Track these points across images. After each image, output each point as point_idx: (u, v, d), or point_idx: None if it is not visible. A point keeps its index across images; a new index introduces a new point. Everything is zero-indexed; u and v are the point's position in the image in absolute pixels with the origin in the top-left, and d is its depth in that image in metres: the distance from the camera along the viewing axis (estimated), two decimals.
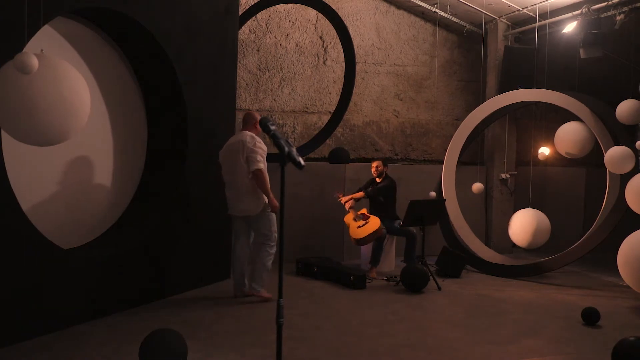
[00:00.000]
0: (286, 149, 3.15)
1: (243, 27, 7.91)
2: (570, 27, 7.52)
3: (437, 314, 5.73)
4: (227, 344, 4.54)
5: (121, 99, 5.71)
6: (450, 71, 9.49)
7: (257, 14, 8.13)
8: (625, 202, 6.57)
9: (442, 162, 8.45)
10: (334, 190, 7.72)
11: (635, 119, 6.99)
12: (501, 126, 9.06)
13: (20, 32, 3.91)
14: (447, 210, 8.02)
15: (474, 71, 9.45)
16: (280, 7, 8.33)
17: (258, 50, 8.31)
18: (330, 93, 8.65)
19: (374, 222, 7.01)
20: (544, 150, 8.48)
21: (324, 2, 7.83)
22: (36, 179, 4.87)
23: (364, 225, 7.02)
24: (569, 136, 7.73)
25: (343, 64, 8.24)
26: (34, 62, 3.38)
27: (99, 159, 5.51)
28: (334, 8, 7.91)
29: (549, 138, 8.23)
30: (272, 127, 3.27)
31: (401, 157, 9.21)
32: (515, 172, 9.21)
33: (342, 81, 8.23)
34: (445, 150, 8.50)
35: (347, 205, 7.33)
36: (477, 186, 8.21)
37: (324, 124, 8.40)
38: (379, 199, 7.41)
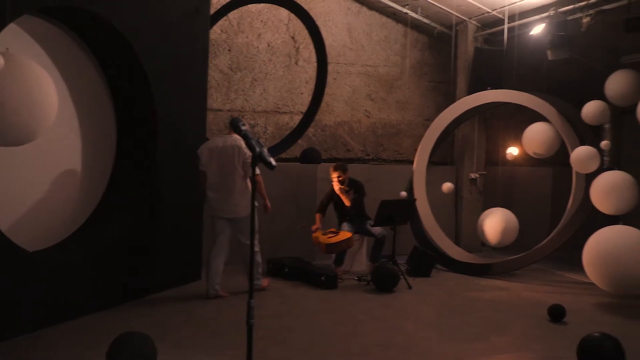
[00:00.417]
0: (257, 149, 3.16)
1: (214, 27, 7.86)
2: (538, 29, 7.64)
3: (408, 313, 5.78)
4: (197, 346, 4.52)
5: (89, 99, 5.63)
6: (421, 72, 9.57)
7: (229, 14, 8.09)
8: (590, 201, 6.73)
9: (412, 162, 8.51)
10: (300, 225, 7.69)
11: (600, 120, 7.15)
12: (471, 126, 9.17)
13: None
14: (418, 210, 8.08)
15: (444, 72, 9.54)
16: (252, 7, 8.30)
17: (230, 50, 8.27)
18: (302, 93, 8.66)
19: (345, 234, 7.04)
20: (513, 151, 8.62)
21: (296, 3, 7.84)
22: (1, 180, 4.77)
23: (334, 236, 7.02)
24: (537, 136, 7.87)
25: (315, 64, 8.27)
26: (0, 60, 3.32)
27: (66, 159, 5.43)
28: (305, 8, 7.93)
29: (518, 138, 8.36)
30: (244, 128, 3.28)
31: (372, 157, 9.26)
32: (485, 172, 9.33)
33: (314, 81, 8.25)
34: (416, 150, 8.57)
35: (317, 232, 7.24)
36: (447, 186, 8.30)
37: (296, 124, 8.41)
38: (357, 204, 7.40)
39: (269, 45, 8.49)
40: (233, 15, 8.19)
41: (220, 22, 8.02)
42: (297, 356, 4.39)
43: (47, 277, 4.77)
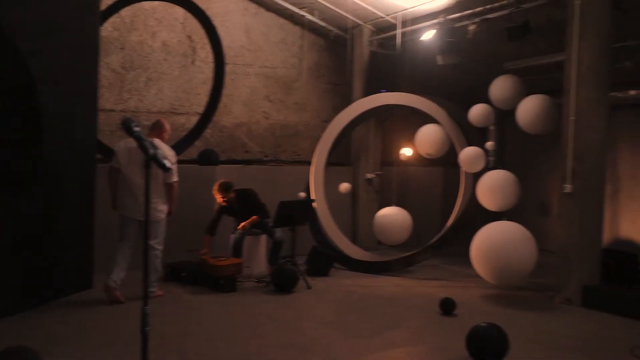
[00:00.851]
0: (151, 151, 3.07)
1: (106, 24, 7.55)
2: (428, 35, 7.95)
3: (307, 313, 5.84)
4: (88, 358, 4.32)
5: None
6: (318, 74, 9.70)
7: (121, 11, 7.79)
8: (477, 198, 7.13)
9: (311, 163, 8.60)
10: (186, 249, 7.35)
11: (485, 122, 7.60)
12: (367, 128, 9.42)
13: None
14: (316, 210, 8.19)
15: (341, 74, 9.73)
16: (146, 4, 8.04)
17: (122, 49, 7.97)
18: (199, 94, 8.50)
19: (236, 260, 6.83)
20: (406, 151, 8.94)
21: (192, 1, 7.69)
22: None
23: (224, 260, 6.73)
24: (428, 137, 8.23)
25: (212, 64, 8.15)
26: None
27: None
28: (202, 8, 7.80)
29: (411, 139, 8.68)
30: (136, 129, 3.15)
31: (271, 159, 9.27)
32: (380, 172, 9.61)
33: (212, 82, 8.13)
34: (314, 151, 8.68)
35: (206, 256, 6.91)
36: (344, 186, 8.48)
37: (193, 125, 8.25)
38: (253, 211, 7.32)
39: (164, 44, 8.27)
40: (125, 12, 7.89)
41: (111, 19, 7.71)
42: None
43: None
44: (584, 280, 6.05)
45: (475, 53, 8.24)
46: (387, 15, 8.74)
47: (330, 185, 8.56)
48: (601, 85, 6.07)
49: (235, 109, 8.89)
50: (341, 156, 9.46)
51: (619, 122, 8.04)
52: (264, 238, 7.55)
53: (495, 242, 6.31)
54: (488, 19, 7.37)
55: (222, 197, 7.12)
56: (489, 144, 7.49)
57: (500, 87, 7.44)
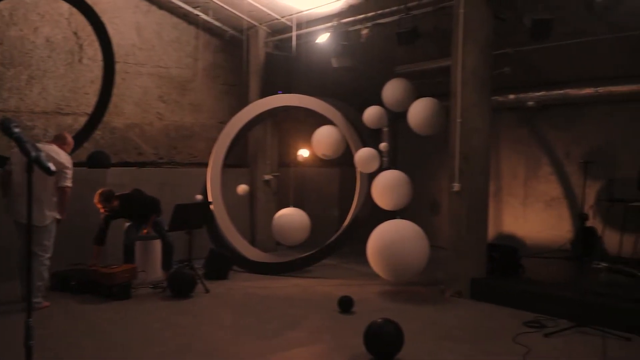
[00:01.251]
0: (33, 153, 2.87)
1: None
2: (323, 38, 8.08)
3: (206, 317, 5.73)
4: None
5: None
6: (214, 74, 9.56)
7: None
8: (372, 198, 7.33)
9: (207, 165, 8.46)
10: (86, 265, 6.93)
11: (379, 123, 7.82)
12: (263, 129, 9.40)
13: None
14: (214, 213, 8.06)
15: (237, 75, 9.65)
16: None
17: (1, 44, 7.43)
18: (87, 93, 8.10)
19: (129, 266, 6.59)
20: (303, 152, 9.02)
21: None
22: None
23: (116, 267, 6.45)
24: (324, 139, 8.35)
25: (101, 63, 7.80)
26: None
27: None
28: (89, 3, 7.45)
29: (308, 140, 8.76)
30: (16, 130, 2.93)
31: (166, 161, 9.02)
32: (278, 174, 9.63)
33: (101, 81, 7.78)
34: (211, 153, 8.54)
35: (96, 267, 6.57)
36: (242, 188, 8.41)
37: (81, 126, 7.85)
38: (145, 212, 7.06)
39: (47, 41, 7.79)
40: (4, 5, 7.37)
41: None
42: None
43: None
44: (471, 273, 6.39)
45: (369, 56, 8.47)
46: (282, 17, 8.77)
47: (227, 187, 8.46)
48: (484, 89, 6.42)
49: (127, 110, 8.56)
50: (238, 158, 9.38)
51: (500, 124, 8.58)
52: (158, 242, 7.29)
53: (389, 239, 6.51)
54: (380, 23, 7.59)
55: (104, 208, 6.78)
56: (383, 145, 7.72)
57: (392, 90, 7.70)
